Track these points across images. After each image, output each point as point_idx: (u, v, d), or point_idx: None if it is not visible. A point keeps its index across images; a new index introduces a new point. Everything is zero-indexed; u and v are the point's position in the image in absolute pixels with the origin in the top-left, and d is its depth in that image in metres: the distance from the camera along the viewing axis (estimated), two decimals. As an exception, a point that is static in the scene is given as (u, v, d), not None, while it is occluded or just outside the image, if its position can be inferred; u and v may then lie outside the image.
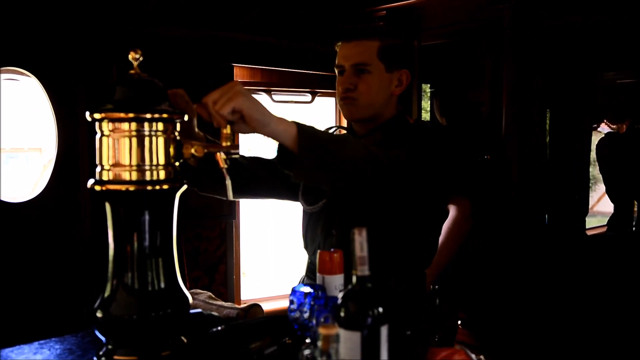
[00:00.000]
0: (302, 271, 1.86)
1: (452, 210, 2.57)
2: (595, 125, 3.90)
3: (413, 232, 1.70)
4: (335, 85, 1.73)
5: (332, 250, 1.33)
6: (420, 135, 1.66)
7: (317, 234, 1.74)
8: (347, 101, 1.68)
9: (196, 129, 1.46)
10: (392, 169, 1.41)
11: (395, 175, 1.42)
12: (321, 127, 1.90)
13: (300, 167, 1.28)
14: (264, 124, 1.24)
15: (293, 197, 1.82)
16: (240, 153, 1.66)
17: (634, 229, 3.13)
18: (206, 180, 1.62)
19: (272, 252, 3.62)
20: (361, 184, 1.38)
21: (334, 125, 1.97)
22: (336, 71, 1.73)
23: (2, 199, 2.32)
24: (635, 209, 3.24)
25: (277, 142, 1.30)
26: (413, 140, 1.62)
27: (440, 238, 2.53)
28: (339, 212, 1.67)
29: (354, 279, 1.02)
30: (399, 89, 1.73)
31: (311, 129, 1.31)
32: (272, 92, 3.39)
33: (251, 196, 1.83)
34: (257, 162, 1.74)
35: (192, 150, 1.21)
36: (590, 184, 3.64)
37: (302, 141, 1.26)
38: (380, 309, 1.00)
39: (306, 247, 1.80)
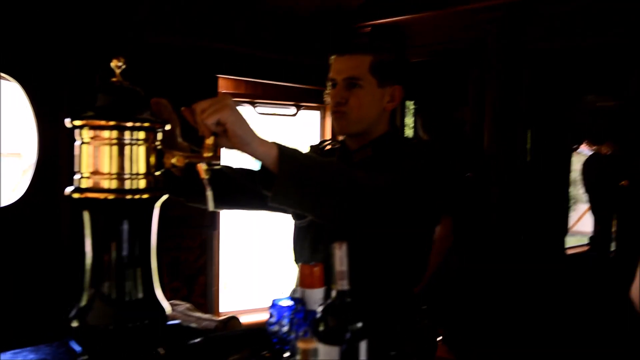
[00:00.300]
0: (281, 284, 1.85)
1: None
2: (575, 147, 3.96)
3: (405, 250, 1.67)
4: (326, 98, 1.73)
5: (312, 264, 1.32)
6: (412, 154, 1.65)
7: (305, 248, 1.72)
8: (338, 115, 1.67)
9: (179, 139, 1.45)
10: (375, 198, 1.39)
11: (378, 203, 1.39)
12: (306, 141, 1.90)
13: (277, 193, 1.26)
14: (245, 142, 1.22)
15: (278, 210, 1.80)
16: (224, 163, 1.66)
17: (612, 247, 3.17)
18: (193, 190, 1.60)
19: (252, 264, 3.60)
20: (341, 212, 1.35)
21: (328, 139, 1.95)
22: (328, 85, 1.72)
23: (-21, 204, 2.28)
24: (614, 228, 3.28)
25: (259, 162, 1.28)
26: (404, 160, 1.60)
27: None
28: (326, 228, 1.64)
29: (334, 293, 1.01)
30: (390, 105, 1.71)
31: (293, 153, 1.29)
32: (256, 104, 3.39)
33: (236, 207, 1.79)
34: (242, 172, 1.73)
35: (173, 160, 1.20)
36: (569, 204, 3.67)
37: (282, 166, 1.24)
38: (360, 324, 0.99)
39: (296, 260, 1.78)
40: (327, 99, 1.73)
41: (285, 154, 1.26)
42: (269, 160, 1.25)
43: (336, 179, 1.32)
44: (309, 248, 1.70)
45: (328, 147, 1.89)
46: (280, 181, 1.25)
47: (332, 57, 1.72)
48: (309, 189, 1.28)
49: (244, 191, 1.71)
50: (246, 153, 1.24)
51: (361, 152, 1.71)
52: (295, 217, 1.77)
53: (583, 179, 3.91)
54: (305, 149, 1.79)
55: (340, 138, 1.81)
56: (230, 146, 1.25)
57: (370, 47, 1.69)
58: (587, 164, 3.90)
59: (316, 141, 1.79)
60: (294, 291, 1.79)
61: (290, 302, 1.28)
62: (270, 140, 1.28)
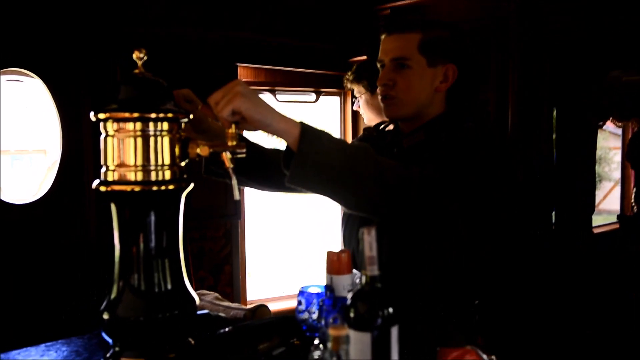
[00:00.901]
0: (308, 271, 1.84)
1: None
2: (600, 123, 3.88)
3: (458, 254, 1.56)
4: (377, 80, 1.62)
5: (339, 250, 1.32)
6: (466, 143, 1.51)
7: (352, 237, 1.65)
8: (387, 100, 1.59)
9: (209, 120, 1.43)
10: (401, 189, 1.31)
11: (403, 195, 1.32)
12: (327, 126, 1.86)
13: (295, 173, 1.24)
14: (265, 123, 1.22)
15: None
16: (258, 142, 1.62)
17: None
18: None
19: (278, 252, 3.61)
20: (360, 200, 1.30)
21: (383, 121, 1.85)
22: (378, 65, 1.63)
23: (7, 200, 2.31)
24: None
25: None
26: (455, 148, 1.48)
27: None
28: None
29: (364, 278, 1.00)
30: (444, 85, 1.59)
31: (316, 134, 1.25)
32: (276, 92, 3.38)
33: (267, 186, 1.69)
34: (274, 152, 1.65)
35: (198, 150, 1.20)
36: (595, 182, 3.61)
37: (302, 145, 1.22)
38: (391, 310, 0.98)
39: (345, 246, 1.73)
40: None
41: (308, 133, 1.24)
42: (291, 139, 1.24)
43: (359, 166, 1.28)
44: (357, 237, 1.64)
45: (389, 127, 1.78)
46: (298, 161, 1.23)
47: (382, 36, 1.62)
48: (329, 173, 1.26)
49: (275, 170, 1.66)
50: (270, 133, 1.24)
51: (412, 136, 1.61)
52: None
53: (631, 156, 3.79)
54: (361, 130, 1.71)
55: (349, 125, 1.76)
56: (253, 129, 1.25)
57: (420, 23, 1.58)
58: (635, 140, 3.78)
59: (322, 124, 1.71)
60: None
61: (318, 289, 1.28)
62: (294, 119, 1.26)
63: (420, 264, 1.53)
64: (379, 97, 1.62)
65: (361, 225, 1.61)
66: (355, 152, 1.29)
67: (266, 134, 1.26)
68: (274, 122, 1.23)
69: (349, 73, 2.76)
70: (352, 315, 0.98)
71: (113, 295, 1.17)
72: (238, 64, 3.03)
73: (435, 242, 1.53)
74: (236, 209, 3.09)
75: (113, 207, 1.16)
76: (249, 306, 1.65)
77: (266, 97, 3.30)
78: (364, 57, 3.23)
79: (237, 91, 1.20)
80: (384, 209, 1.32)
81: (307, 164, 1.23)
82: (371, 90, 2.66)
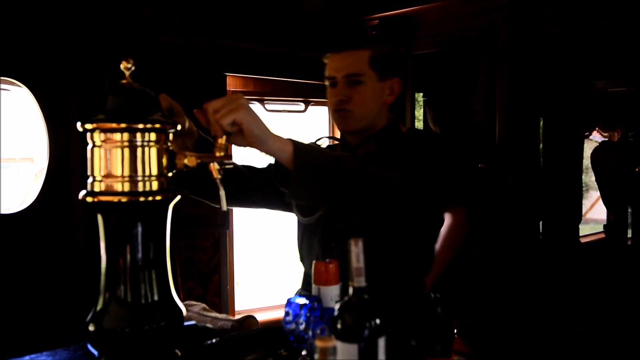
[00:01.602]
0: (296, 282, 1.84)
1: (448, 218, 2.56)
2: (587, 134, 3.92)
3: (412, 241, 1.68)
4: (327, 96, 1.71)
5: (327, 260, 1.32)
6: (416, 145, 1.65)
7: (313, 246, 1.71)
8: (342, 113, 1.65)
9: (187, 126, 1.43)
10: (390, 192, 1.39)
11: (393, 197, 1.40)
12: (314, 136, 1.89)
13: (294, 188, 1.26)
14: (261, 140, 1.23)
15: (287, 208, 1.79)
16: (236, 161, 1.65)
17: (629, 236, 3.13)
18: (198, 184, 1.59)
19: (266, 262, 3.60)
20: (356, 205, 1.35)
21: (325, 135, 1.94)
22: (327, 83, 1.70)
23: (-6, 210, 2.29)
24: (630, 216, 3.24)
25: (274, 159, 1.29)
26: (408, 151, 1.61)
27: (437, 246, 2.53)
28: (338, 224, 1.65)
29: (350, 290, 1.00)
30: (391, 98, 1.71)
31: (307, 148, 1.28)
32: (265, 102, 3.38)
33: (245, 205, 1.78)
34: (251, 170, 1.72)
35: (185, 161, 1.20)
36: (582, 192, 3.64)
37: (298, 161, 1.25)
38: (378, 321, 0.98)
39: (302, 259, 1.78)
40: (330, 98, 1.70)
41: (300, 149, 1.26)
42: (285, 156, 1.25)
43: (351, 173, 1.32)
44: (320, 246, 1.69)
45: (326, 144, 1.88)
46: (296, 176, 1.25)
47: (327, 55, 1.69)
48: (325, 182, 1.28)
49: (254, 189, 1.70)
50: (262, 151, 1.25)
51: (364, 146, 1.70)
52: (302, 215, 1.75)
53: (592, 167, 3.85)
54: None
55: (338, 134, 1.80)
56: (245, 145, 1.25)
57: (368, 41, 1.69)
58: (595, 153, 3.84)
59: (312, 139, 1.77)
60: (299, 292, 1.80)
61: (305, 300, 1.28)
62: (284, 136, 1.28)
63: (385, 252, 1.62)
64: (331, 111, 1.70)
65: (322, 237, 1.67)
66: (344, 160, 1.33)
67: (256, 150, 1.26)
68: (269, 140, 1.24)
69: None
70: (339, 326, 0.98)
71: (99, 307, 1.16)
72: (227, 74, 3.03)
73: (413, 239, 1.67)
74: (224, 219, 3.08)
75: (100, 217, 1.15)
76: (236, 317, 1.64)
77: (255, 106, 3.30)
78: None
79: (241, 104, 1.21)
80: (378, 210, 1.37)
81: (305, 178, 1.26)
82: None
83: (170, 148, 1.20)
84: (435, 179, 1.52)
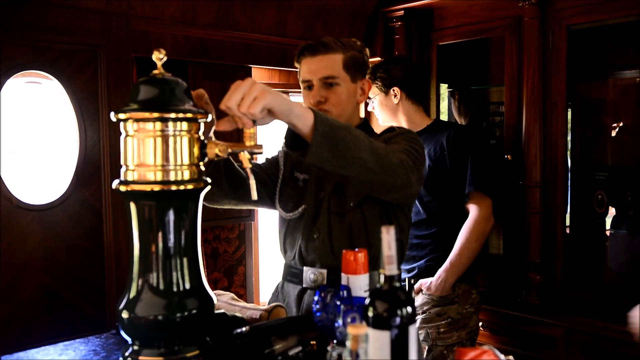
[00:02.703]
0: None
1: (473, 210, 2.55)
2: (614, 125, 3.86)
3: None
4: (303, 99, 1.79)
5: (356, 249, 1.32)
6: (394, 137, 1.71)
7: (296, 239, 1.78)
8: None
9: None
10: (396, 162, 1.47)
11: (399, 167, 1.48)
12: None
13: (313, 149, 1.32)
14: (288, 112, 1.29)
15: (270, 205, 1.87)
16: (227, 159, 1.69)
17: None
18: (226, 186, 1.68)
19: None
20: (368, 172, 1.41)
21: None
22: (302, 86, 1.79)
23: (26, 201, 2.33)
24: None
25: (288, 127, 1.35)
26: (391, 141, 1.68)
27: (462, 238, 2.52)
28: (321, 215, 1.73)
29: (382, 278, 1.00)
30: (362, 98, 1.82)
31: (325, 116, 1.36)
32: (289, 93, 3.39)
33: (231, 204, 1.82)
34: (234, 168, 1.76)
35: (217, 150, 1.21)
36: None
37: (319, 126, 1.31)
38: (409, 308, 0.98)
39: (284, 252, 1.85)
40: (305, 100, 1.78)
41: (320, 116, 1.34)
42: (308, 123, 1.31)
43: (361, 140, 1.39)
44: (303, 238, 1.75)
45: None
46: (316, 141, 1.31)
47: (300, 59, 1.78)
48: (340, 148, 1.34)
49: (237, 186, 1.74)
50: (286, 121, 1.32)
51: None
52: (285, 210, 1.82)
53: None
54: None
55: None
56: (269, 122, 1.32)
57: (339, 45, 1.75)
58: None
59: None
60: (280, 284, 1.85)
61: (335, 289, 1.28)
62: (304, 106, 1.35)
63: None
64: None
65: (305, 230, 1.73)
66: (353, 129, 1.40)
67: (284, 121, 1.32)
68: (295, 110, 1.30)
69: None
70: (370, 314, 0.99)
71: (132, 294, 1.18)
72: (252, 66, 3.04)
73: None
74: (250, 211, 3.10)
75: (132, 206, 1.17)
76: (264, 306, 1.65)
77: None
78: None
79: (262, 88, 1.24)
80: (379, 177, 1.44)
81: (323, 142, 1.32)
82: (385, 91, 2.66)
83: (201, 137, 1.21)
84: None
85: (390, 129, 1.82)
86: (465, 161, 2.56)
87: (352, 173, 1.40)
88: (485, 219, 2.54)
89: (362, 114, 2.80)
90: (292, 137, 1.38)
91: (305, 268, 1.75)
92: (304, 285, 1.75)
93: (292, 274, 1.81)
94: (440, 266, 2.51)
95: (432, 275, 2.52)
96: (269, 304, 1.90)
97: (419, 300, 2.55)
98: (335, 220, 1.71)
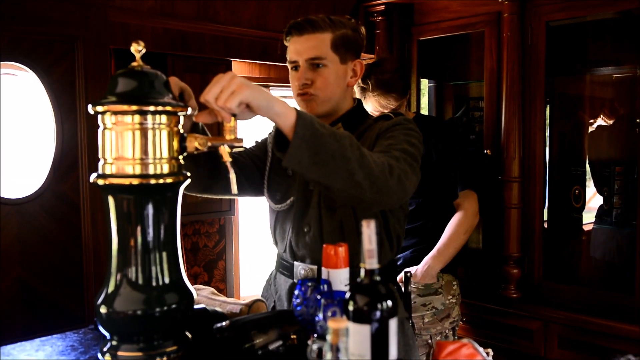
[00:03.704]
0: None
1: (463, 204, 2.58)
2: (592, 121, 3.91)
3: (389, 224, 1.69)
4: (290, 80, 1.71)
5: (337, 244, 1.32)
6: (388, 128, 1.62)
7: (286, 231, 1.73)
8: (305, 97, 1.66)
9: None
10: (381, 174, 1.38)
11: (384, 179, 1.38)
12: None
13: (291, 153, 1.27)
14: (268, 107, 1.26)
15: (255, 194, 1.82)
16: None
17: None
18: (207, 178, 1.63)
19: (272, 247, 3.61)
20: (349, 183, 1.34)
21: None
22: (289, 67, 1.71)
23: (1, 195, 2.30)
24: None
25: (275, 125, 1.31)
26: (385, 134, 1.60)
27: (451, 229, 2.54)
28: (310, 207, 1.68)
29: (362, 272, 1.01)
30: (354, 80, 1.72)
31: (310, 118, 1.30)
32: (270, 87, 3.37)
33: (219, 193, 1.76)
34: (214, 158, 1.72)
35: (196, 144, 1.20)
36: (586, 179, 3.64)
37: (299, 129, 1.26)
38: (389, 302, 0.99)
39: (275, 243, 1.81)
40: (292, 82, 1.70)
41: (303, 117, 1.28)
42: (288, 123, 1.27)
43: (347, 151, 1.31)
44: (293, 231, 1.71)
45: None
46: (295, 143, 1.26)
47: (288, 38, 1.69)
48: (322, 155, 1.28)
49: (224, 176, 1.70)
50: (267, 117, 1.28)
51: None
52: (274, 201, 1.77)
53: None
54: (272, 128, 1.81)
55: None
56: (251, 117, 1.29)
57: (329, 23, 1.65)
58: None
59: None
60: (273, 273, 1.84)
61: (315, 283, 1.28)
62: (289, 105, 1.30)
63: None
64: (294, 95, 1.70)
65: (294, 222, 1.69)
66: (342, 138, 1.33)
67: (263, 116, 1.29)
68: (275, 106, 1.27)
69: None
70: (351, 308, 0.99)
71: (110, 289, 1.17)
72: (232, 59, 3.02)
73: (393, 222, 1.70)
74: (230, 205, 3.09)
75: (111, 199, 1.16)
76: (245, 301, 1.65)
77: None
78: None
79: (240, 82, 1.22)
80: (369, 194, 1.36)
81: (303, 146, 1.26)
82: (368, 85, 2.64)
83: (181, 131, 1.20)
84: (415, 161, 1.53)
85: (386, 116, 1.72)
86: (450, 156, 2.59)
87: (336, 184, 1.33)
88: (474, 214, 2.59)
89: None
90: (279, 136, 1.34)
91: (296, 263, 1.71)
92: (294, 280, 1.72)
93: (283, 267, 1.77)
94: (424, 257, 2.53)
95: (417, 265, 2.54)
96: (262, 293, 1.90)
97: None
98: (326, 215, 1.65)
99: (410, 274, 1.99)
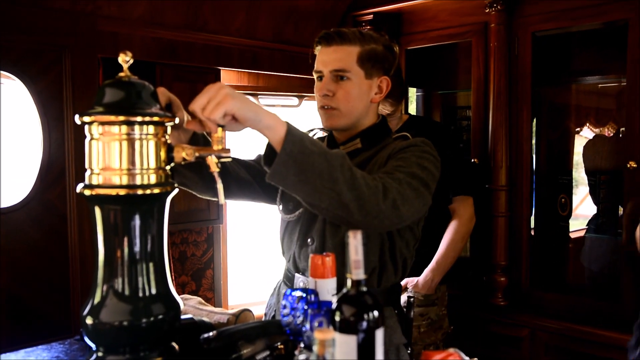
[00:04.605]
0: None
1: (458, 211, 2.59)
2: (578, 129, 3.94)
3: (395, 247, 1.64)
4: (315, 90, 1.69)
5: (324, 254, 1.32)
6: (404, 148, 1.58)
7: (292, 242, 1.71)
8: (326, 111, 1.64)
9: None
10: (373, 198, 1.34)
11: (373, 205, 1.34)
12: (307, 127, 1.89)
13: (276, 169, 1.26)
14: (256, 120, 1.26)
15: (272, 202, 1.80)
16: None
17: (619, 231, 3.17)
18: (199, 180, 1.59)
19: (260, 256, 3.61)
20: (334, 206, 1.31)
21: (316, 127, 1.94)
22: (315, 76, 1.69)
23: (-14, 204, 2.28)
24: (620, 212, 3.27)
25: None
26: (398, 154, 1.56)
27: (448, 238, 2.55)
28: (316, 221, 1.65)
29: (349, 282, 1.01)
30: (378, 97, 1.68)
31: (300, 135, 1.28)
32: (258, 96, 3.38)
33: (232, 197, 1.74)
34: (237, 163, 1.72)
35: (184, 154, 1.20)
36: (572, 187, 3.67)
37: (286, 145, 1.25)
38: (376, 313, 0.99)
39: (283, 254, 1.79)
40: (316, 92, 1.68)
41: (293, 133, 1.27)
42: (276, 137, 1.26)
43: (336, 172, 1.29)
44: (298, 242, 1.69)
45: (317, 135, 1.89)
46: (281, 159, 1.25)
47: (317, 48, 1.67)
48: (308, 174, 1.27)
49: (240, 182, 1.69)
50: (256, 129, 1.27)
51: (348, 145, 1.69)
52: (285, 210, 1.76)
53: (584, 160, 3.87)
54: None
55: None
56: (241, 129, 1.28)
57: (358, 36, 1.63)
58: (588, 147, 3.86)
59: (305, 128, 1.76)
60: (279, 284, 1.82)
61: (302, 293, 1.28)
62: (280, 118, 1.29)
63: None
64: (317, 107, 1.68)
65: (300, 234, 1.68)
66: (333, 158, 1.31)
67: (254, 130, 1.28)
68: (263, 120, 1.26)
69: None
70: (337, 318, 0.99)
71: (96, 300, 1.16)
72: (221, 68, 3.03)
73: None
74: (218, 214, 3.08)
75: (97, 210, 1.15)
76: (232, 310, 1.64)
77: (249, 101, 3.30)
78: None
79: (226, 93, 1.22)
80: (357, 217, 1.34)
81: (289, 162, 1.25)
82: None
83: (169, 141, 1.20)
84: (422, 184, 1.48)
85: (403, 137, 1.70)
86: (445, 162, 2.60)
87: (322, 204, 1.31)
88: (469, 219, 2.60)
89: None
90: (268, 149, 1.33)
91: (297, 275, 1.69)
92: None
93: (287, 278, 1.75)
94: (421, 264, 2.54)
95: (413, 273, 2.54)
96: (268, 302, 1.88)
97: (403, 298, 2.57)
98: (330, 230, 1.61)
99: (414, 299, 1.94)
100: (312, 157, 1.27)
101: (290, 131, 1.26)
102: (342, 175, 1.30)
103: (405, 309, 1.85)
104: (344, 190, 1.29)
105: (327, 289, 1.31)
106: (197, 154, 1.21)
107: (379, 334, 1.00)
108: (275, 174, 1.27)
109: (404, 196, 1.40)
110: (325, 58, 1.64)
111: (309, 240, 1.66)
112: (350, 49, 1.61)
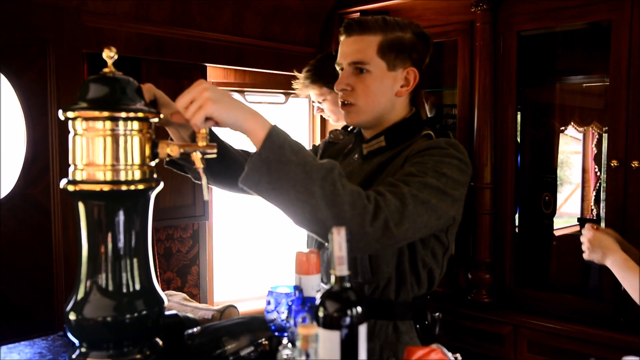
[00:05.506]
0: (274, 273, 1.84)
1: None
2: (562, 128, 3.98)
3: (416, 256, 1.52)
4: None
5: (308, 250, 1.33)
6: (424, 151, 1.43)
7: (314, 243, 1.64)
8: (346, 107, 1.54)
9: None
10: (357, 219, 1.22)
11: (361, 226, 1.23)
12: (294, 128, 1.84)
13: (248, 174, 1.21)
14: (236, 124, 1.22)
15: None
16: (227, 141, 1.60)
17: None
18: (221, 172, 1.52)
19: (246, 252, 3.60)
20: (307, 221, 1.24)
21: (337, 126, 1.81)
22: (337, 69, 1.57)
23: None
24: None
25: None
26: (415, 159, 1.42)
27: None
28: None
29: (333, 278, 1.01)
30: (405, 89, 1.54)
31: (281, 141, 1.21)
32: (245, 93, 3.37)
33: (226, 187, 1.63)
34: (239, 153, 1.62)
35: (168, 150, 1.20)
36: (557, 185, 3.70)
37: (262, 150, 1.20)
38: (359, 309, 1.00)
39: (309, 246, 1.71)
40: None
41: (272, 139, 1.21)
42: (254, 141, 1.23)
43: (315, 186, 1.20)
44: (316, 245, 1.64)
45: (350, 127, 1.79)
46: (254, 165, 1.21)
47: (341, 38, 1.55)
48: (281, 184, 1.20)
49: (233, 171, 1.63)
50: (239, 132, 1.24)
51: (372, 143, 1.58)
52: None
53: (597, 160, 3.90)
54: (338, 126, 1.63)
55: (318, 126, 1.75)
56: (226, 126, 1.25)
57: (380, 25, 1.49)
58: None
59: (290, 126, 1.69)
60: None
61: (287, 289, 1.29)
62: (266, 121, 1.24)
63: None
64: (339, 103, 1.57)
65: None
66: (314, 171, 1.21)
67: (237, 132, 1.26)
68: (244, 123, 1.22)
69: (303, 75, 2.58)
70: (321, 314, 1.00)
71: (80, 296, 1.16)
72: (207, 65, 3.02)
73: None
74: (204, 210, 3.07)
75: (81, 206, 1.15)
76: (217, 307, 1.64)
77: (235, 97, 3.29)
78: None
79: (207, 97, 1.18)
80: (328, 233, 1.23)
81: (262, 169, 1.20)
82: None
83: (153, 137, 1.20)
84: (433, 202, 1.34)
85: (427, 135, 1.53)
86: None
87: (295, 217, 1.24)
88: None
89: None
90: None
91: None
92: None
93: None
94: None
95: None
96: None
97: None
98: None
99: (440, 318, 1.73)
100: (289, 166, 1.19)
101: (271, 136, 1.20)
102: (322, 189, 1.20)
103: (428, 325, 1.67)
104: (321, 205, 1.20)
105: (312, 285, 1.31)
106: (181, 150, 1.21)
107: (362, 330, 1.00)
108: (248, 179, 1.21)
109: (403, 215, 1.27)
110: (345, 49, 1.53)
111: (326, 243, 1.54)
112: (371, 38, 1.49)
